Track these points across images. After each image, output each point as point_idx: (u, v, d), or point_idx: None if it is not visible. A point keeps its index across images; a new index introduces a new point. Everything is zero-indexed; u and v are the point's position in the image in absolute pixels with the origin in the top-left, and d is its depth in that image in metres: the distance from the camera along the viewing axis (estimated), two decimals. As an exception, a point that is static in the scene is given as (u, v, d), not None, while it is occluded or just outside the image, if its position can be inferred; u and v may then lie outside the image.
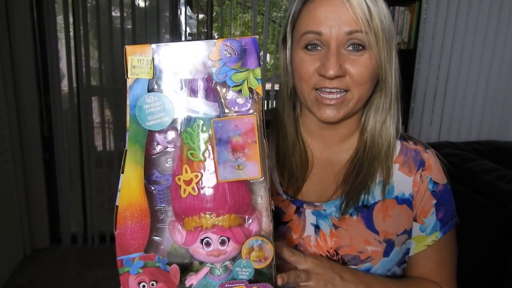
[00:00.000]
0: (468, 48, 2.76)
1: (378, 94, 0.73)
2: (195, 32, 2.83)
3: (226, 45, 0.49)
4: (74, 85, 2.61)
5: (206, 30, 2.84)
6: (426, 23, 2.68)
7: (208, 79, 0.50)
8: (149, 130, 0.49)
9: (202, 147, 0.50)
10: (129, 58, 0.49)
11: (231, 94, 0.50)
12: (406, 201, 0.74)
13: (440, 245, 0.76)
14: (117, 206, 0.50)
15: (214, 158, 0.50)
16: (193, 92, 0.50)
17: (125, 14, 2.59)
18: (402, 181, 0.74)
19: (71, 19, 2.53)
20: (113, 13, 2.58)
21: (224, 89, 0.50)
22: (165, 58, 0.49)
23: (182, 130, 0.50)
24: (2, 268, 2.30)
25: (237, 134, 0.50)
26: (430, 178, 0.75)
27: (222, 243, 0.51)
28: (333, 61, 0.64)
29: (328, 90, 0.67)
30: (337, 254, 0.72)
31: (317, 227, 0.74)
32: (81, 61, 2.56)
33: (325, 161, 0.78)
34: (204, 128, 0.50)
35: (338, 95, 0.67)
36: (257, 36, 0.51)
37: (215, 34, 2.97)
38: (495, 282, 1.75)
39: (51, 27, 2.46)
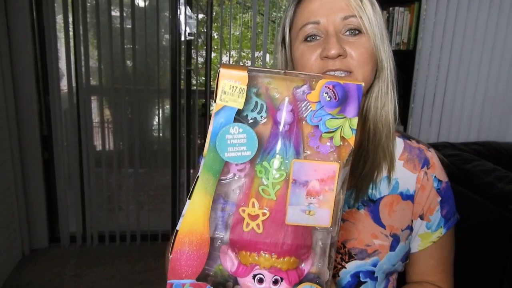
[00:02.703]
0: (468, 48, 2.76)
1: (376, 82, 0.75)
2: (195, 32, 2.82)
3: (328, 87, 0.45)
4: (74, 84, 2.60)
5: (205, 30, 2.83)
6: (426, 24, 2.68)
7: (295, 113, 0.46)
8: (226, 161, 0.46)
9: (276, 185, 0.47)
10: (221, 82, 0.44)
11: (314, 132, 0.47)
12: (410, 197, 0.76)
13: (443, 242, 0.78)
14: (177, 231, 0.47)
15: (286, 199, 0.47)
16: (275, 123, 0.46)
17: (124, 14, 2.59)
18: (407, 178, 0.76)
19: (70, 19, 2.53)
20: (113, 13, 2.58)
21: (309, 126, 0.47)
22: (258, 85, 0.46)
23: (257, 161, 0.47)
24: (0, 268, 2.30)
25: (316, 179, 0.47)
26: (435, 176, 0.77)
27: (275, 282, 0.49)
28: (333, 41, 0.66)
29: (332, 72, 0.68)
30: (344, 247, 0.73)
31: None
32: (80, 61, 2.56)
33: None
34: (282, 167, 0.46)
35: (342, 74, 0.68)
36: (363, 84, 0.46)
37: (215, 34, 2.97)
38: (494, 284, 1.75)
39: (50, 27, 2.46)
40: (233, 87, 0.45)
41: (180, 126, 2.81)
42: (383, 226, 0.74)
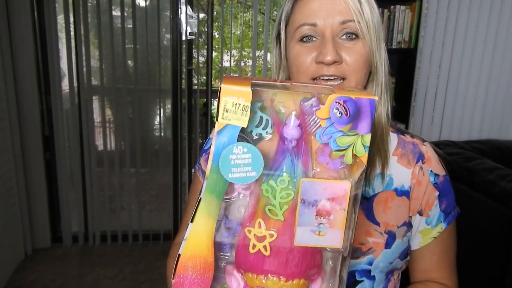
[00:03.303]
0: (469, 46, 2.76)
1: (369, 85, 0.74)
2: (196, 31, 2.82)
3: (339, 103, 0.43)
4: (75, 84, 2.61)
5: (206, 29, 2.83)
6: (427, 22, 2.68)
7: (303, 128, 0.44)
8: (230, 182, 0.44)
9: (283, 206, 0.45)
10: (223, 99, 0.42)
11: (324, 148, 0.44)
12: (405, 193, 0.74)
13: (444, 237, 0.77)
14: (179, 255, 0.45)
15: (294, 220, 0.45)
16: (282, 139, 0.44)
17: (125, 14, 2.59)
18: (401, 173, 0.75)
19: (71, 19, 2.53)
20: (114, 13, 2.58)
21: (318, 142, 0.44)
22: (262, 99, 0.43)
23: (263, 180, 0.44)
24: (3, 267, 2.31)
25: (326, 198, 0.44)
26: (431, 171, 0.75)
27: None
28: (330, 47, 0.65)
29: (326, 78, 0.67)
30: None
31: None
32: (81, 61, 2.56)
33: None
34: (290, 186, 0.44)
35: (336, 83, 0.68)
36: (376, 98, 0.44)
37: (216, 33, 2.97)
38: (496, 282, 1.74)
39: (51, 27, 2.46)
40: (236, 104, 0.42)
41: (182, 125, 2.81)
42: (377, 223, 0.72)
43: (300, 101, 0.44)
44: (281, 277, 0.46)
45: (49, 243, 2.73)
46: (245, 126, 0.42)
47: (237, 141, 0.43)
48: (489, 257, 1.80)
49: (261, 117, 0.44)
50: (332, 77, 0.67)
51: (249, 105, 0.42)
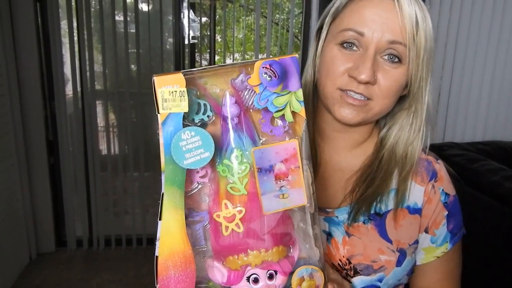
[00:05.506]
0: (472, 47, 2.75)
1: (405, 113, 0.70)
2: (199, 35, 2.83)
3: (266, 67, 0.45)
4: (79, 89, 2.62)
5: (209, 33, 2.84)
6: (430, 24, 2.67)
7: (240, 103, 0.46)
8: (187, 169, 0.44)
9: (243, 179, 0.45)
10: (159, 91, 0.43)
11: (264, 117, 0.46)
12: (418, 211, 0.73)
13: (448, 257, 0.75)
14: (157, 257, 0.44)
15: (257, 190, 0.45)
16: (223, 119, 0.46)
17: (128, 18, 2.61)
18: (414, 191, 0.73)
19: (75, 24, 2.55)
20: (117, 18, 2.59)
21: (258, 113, 0.46)
22: (196, 87, 0.45)
23: (217, 162, 0.45)
24: (7, 272, 2.31)
25: (279, 161, 0.46)
26: (442, 190, 0.74)
27: (270, 277, 0.47)
28: (368, 66, 0.61)
29: (352, 93, 0.64)
30: (350, 263, 0.69)
31: (329, 235, 0.70)
32: (85, 66, 2.57)
33: (335, 165, 0.75)
34: (244, 159, 0.45)
35: (362, 98, 0.64)
36: (297, 55, 0.46)
37: (218, 37, 2.98)
38: (503, 283, 1.73)
39: (55, 32, 2.48)
40: (172, 92, 0.43)
41: (185, 129, 2.81)
42: (389, 240, 0.70)
43: (230, 80, 0.46)
44: (260, 249, 0.46)
45: (54, 248, 2.73)
46: (186, 110, 0.43)
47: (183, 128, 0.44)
48: (495, 258, 1.79)
49: (199, 103, 0.46)
50: (359, 96, 0.64)
51: (185, 90, 0.43)
